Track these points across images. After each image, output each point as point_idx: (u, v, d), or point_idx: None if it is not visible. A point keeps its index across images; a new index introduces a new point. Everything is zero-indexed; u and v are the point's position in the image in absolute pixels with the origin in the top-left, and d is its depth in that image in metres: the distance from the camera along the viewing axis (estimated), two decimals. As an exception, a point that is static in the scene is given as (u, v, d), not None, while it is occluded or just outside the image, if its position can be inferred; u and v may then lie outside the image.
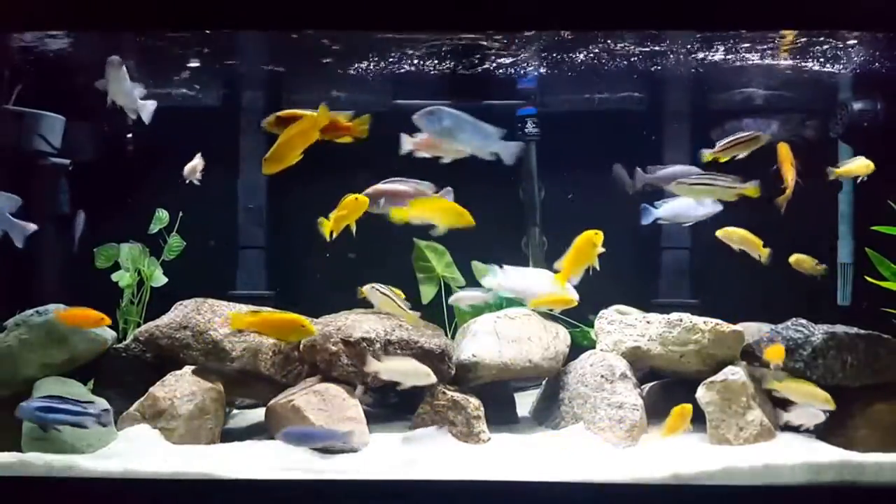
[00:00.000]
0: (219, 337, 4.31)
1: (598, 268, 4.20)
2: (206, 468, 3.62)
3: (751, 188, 4.39)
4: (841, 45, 4.96)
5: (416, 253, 5.20)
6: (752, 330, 4.53)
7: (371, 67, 5.45)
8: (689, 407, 4.04)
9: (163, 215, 5.08)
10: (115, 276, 5.00)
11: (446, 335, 4.65)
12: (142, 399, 4.11)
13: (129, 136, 5.61)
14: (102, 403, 3.85)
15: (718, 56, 5.17)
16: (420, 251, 5.20)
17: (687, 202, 4.69)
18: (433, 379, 4.03)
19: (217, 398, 4.15)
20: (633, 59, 5.28)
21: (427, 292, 5.15)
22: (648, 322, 4.51)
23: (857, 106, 5.34)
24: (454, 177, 5.29)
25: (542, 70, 5.51)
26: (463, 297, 4.91)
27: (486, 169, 5.53)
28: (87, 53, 5.18)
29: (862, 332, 4.21)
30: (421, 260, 5.19)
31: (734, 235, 4.67)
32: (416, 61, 5.34)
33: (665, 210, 4.79)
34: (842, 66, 5.28)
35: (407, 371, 4.01)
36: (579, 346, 4.82)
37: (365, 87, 5.72)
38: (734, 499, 3.62)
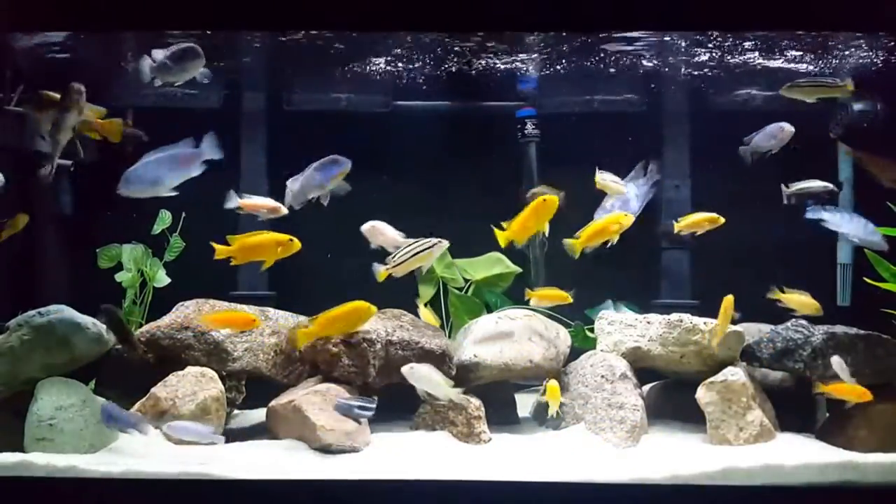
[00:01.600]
0: (220, 337, 4.33)
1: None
2: (207, 468, 3.62)
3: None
4: (840, 46, 4.97)
5: None
6: (752, 330, 4.54)
7: (371, 68, 5.47)
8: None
9: (165, 216, 5.09)
10: (118, 277, 5.01)
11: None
12: (143, 399, 4.12)
13: (129, 136, 5.62)
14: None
15: (716, 56, 5.17)
16: None
17: (863, 222, 4.52)
18: (448, 392, 4.00)
19: (218, 398, 4.15)
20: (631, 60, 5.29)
21: (425, 293, 5.13)
22: (649, 323, 4.52)
23: (856, 107, 5.35)
24: (455, 178, 5.32)
25: (542, 70, 5.53)
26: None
27: (486, 170, 5.56)
28: (89, 54, 5.20)
29: (861, 332, 4.22)
30: None
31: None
32: (416, 62, 5.35)
33: (834, 217, 4.60)
34: (840, 67, 5.29)
35: (428, 379, 4.00)
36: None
37: (366, 87, 5.73)
38: (734, 499, 3.62)
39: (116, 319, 4.25)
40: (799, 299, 4.49)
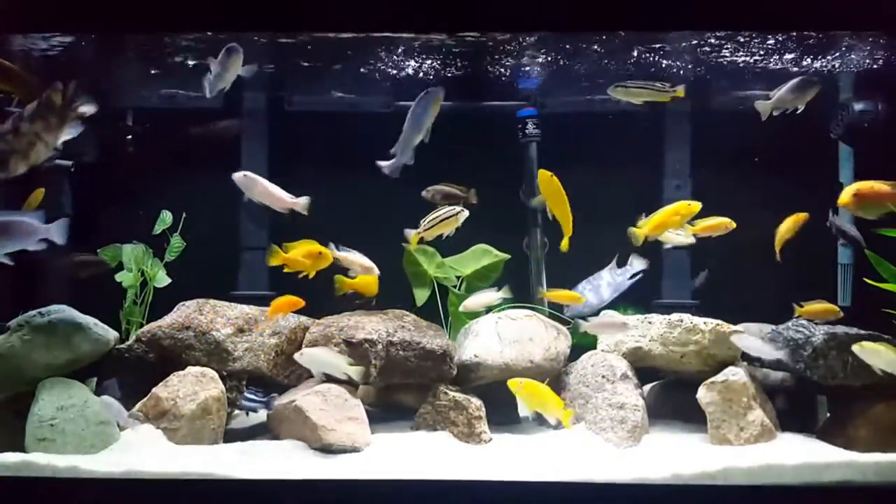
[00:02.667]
0: (221, 337, 4.33)
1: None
2: (208, 468, 3.63)
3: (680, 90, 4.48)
4: (841, 46, 4.97)
5: (406, 257, 5.07)
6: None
7: (373, 68, 5.47)
8: None
9: (166, 216, 5.10)
10: (118, 277, 5.01)
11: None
12: (145, 399, 4.12)
13: (130, 137, 5.63)
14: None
15: (716, 55, 5.17)
16: (410, 255, 5.07)
17: None
18: (346, 368, 4.06)
19: (219, 398, 4.16)
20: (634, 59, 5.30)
21: (420, 295, 5.11)
22: (650, 323, 4.53)
23: (857, 107, 5.35)
24: (455, 179, 5.31)
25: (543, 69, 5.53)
26: (471, 304, 4.78)
27: (487, 170, 5.56)
28: (89, 54, 5.20)
29: (862, 332, 4.22)
30: (411, 264, 5.10)
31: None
32: (417, 63, 5.36)
33: None
34: (842, 66, 5.29)
35: (324, 361, 4.09)
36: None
37: (368, 87, 5.73)
38: (735, 499, 3.63)
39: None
40: (817, 307, 4.59)
